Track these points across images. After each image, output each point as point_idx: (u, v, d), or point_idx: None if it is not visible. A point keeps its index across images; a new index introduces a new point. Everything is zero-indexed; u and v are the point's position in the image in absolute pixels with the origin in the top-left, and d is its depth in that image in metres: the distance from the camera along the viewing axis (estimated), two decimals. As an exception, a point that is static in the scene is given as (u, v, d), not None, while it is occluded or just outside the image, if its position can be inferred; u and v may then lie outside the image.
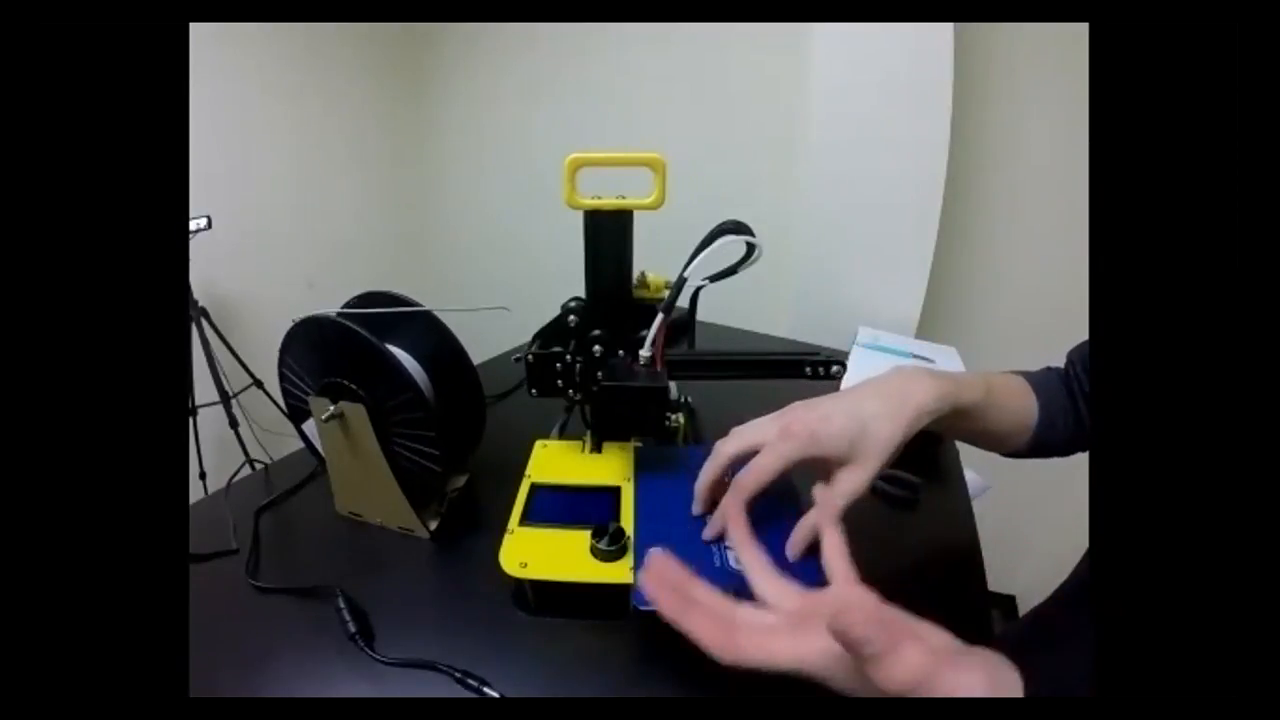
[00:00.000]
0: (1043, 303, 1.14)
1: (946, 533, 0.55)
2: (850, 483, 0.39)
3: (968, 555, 0.53)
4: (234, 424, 1.37)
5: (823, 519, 0.38)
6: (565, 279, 0.54)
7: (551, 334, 0.49)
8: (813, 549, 0.39)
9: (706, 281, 0.46)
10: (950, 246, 1.09)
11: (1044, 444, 0.48)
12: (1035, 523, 1.22)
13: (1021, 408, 0.47)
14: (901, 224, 1.04)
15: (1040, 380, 0.49)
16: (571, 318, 0.48)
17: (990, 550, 0.54)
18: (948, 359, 0.87)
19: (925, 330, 1.09)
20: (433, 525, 0.51)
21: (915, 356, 0.85)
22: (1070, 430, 0.48)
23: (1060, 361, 0.51)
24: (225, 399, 1.36)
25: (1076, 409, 0.48)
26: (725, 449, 0.42)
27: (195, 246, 1.24)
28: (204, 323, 1.33)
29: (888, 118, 1.00)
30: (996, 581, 0.51)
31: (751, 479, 0.39)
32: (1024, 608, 1.33)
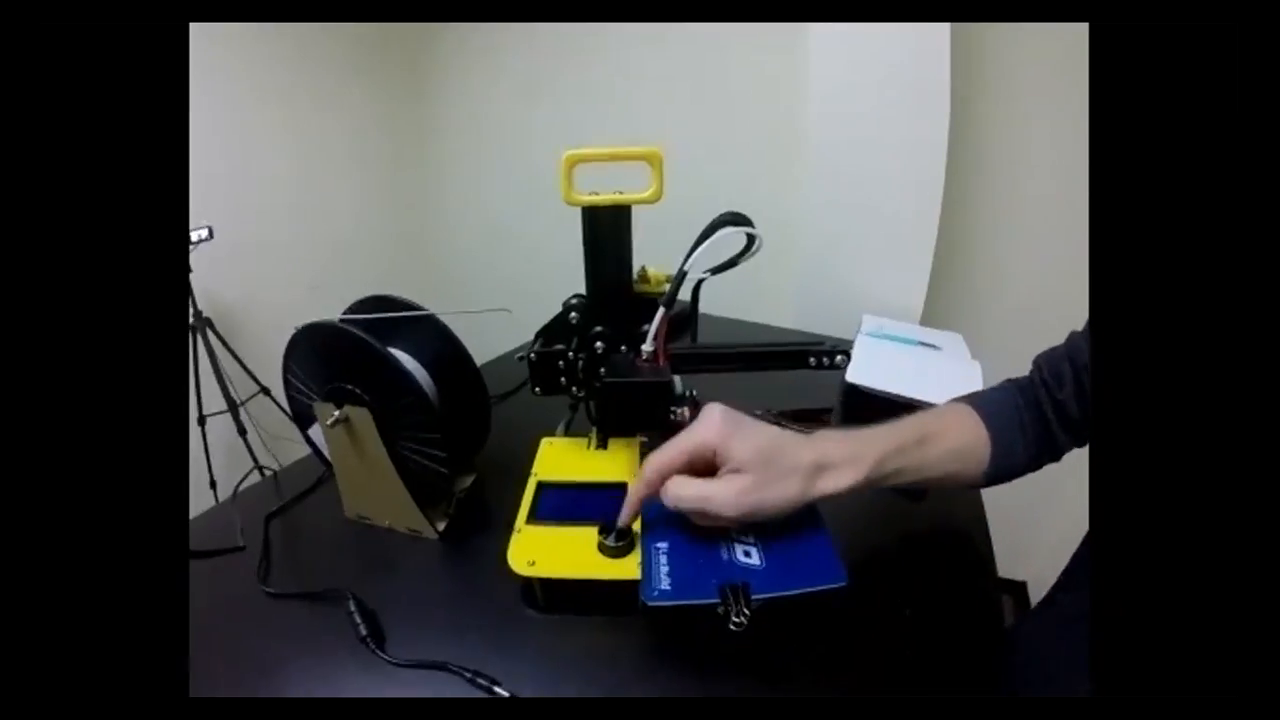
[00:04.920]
0: (1046, 289, 1.13)
1: (955, 521, 0.55)
2: (728, 488, 0.38)
3: (977, 544, 0.52)
4: (242, 431, 1.38)
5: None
6: (567, 276, 0.54)
7: (553, 332, 0.49)
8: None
9: (707, 274, 0.46)
10: (953, 234, 1.08)
11: (1003, 473, 0.45)
12: (1044, 506, 1.21)
13: (967, 447, 0.44)
14: (904, 213, 1.03)
15: (994, 406, 0.46)
16: (573, 315, 0.48)
17: (999, 535, 0.53)
18: (953, 345, 0.86)
19: (930, 318, 1.08)
20: (441, 526, 0.51)
21: (921, 344, 0.84)
22: (1032, 450, 0.45)
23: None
24: (233, 407, 1.37)
25: (1042, 421, 0.45)
26: (650, 465, 0.40)
27: (197, 256, 1.25)
28: (209, 332, 1.34)
29: (887, 113, 0.99)
30: (1006, 568, 0.51)
31: (661, 456, 0.39)
32: (1035, 593, 1.32)
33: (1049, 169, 1.09)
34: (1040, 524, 1.24)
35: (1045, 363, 0.46)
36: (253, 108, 1.49)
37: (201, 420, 1.34)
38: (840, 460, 0.39)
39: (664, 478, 0.39)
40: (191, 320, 1.31)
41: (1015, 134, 1.09)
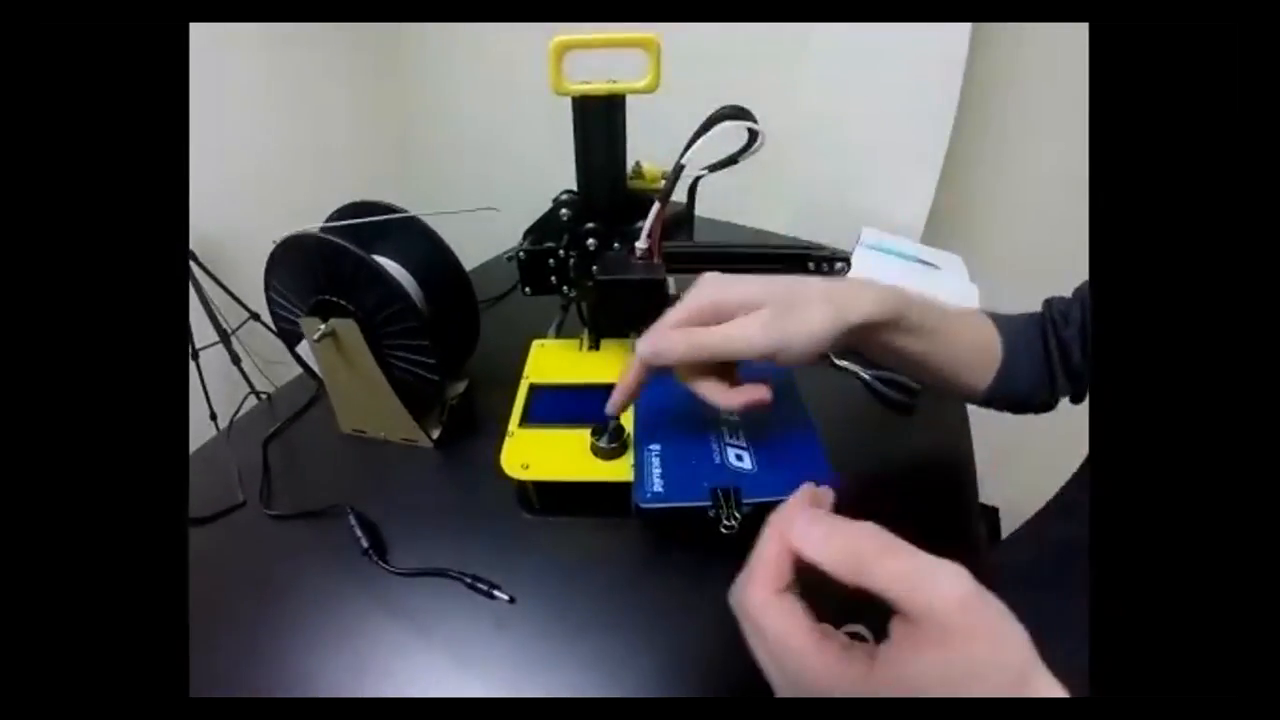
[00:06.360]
0: (1053, 224, 1.09)
1: (941, 441, 0.54)
2: (749, 321, 0.33)
3: (960, 466, 0.52)
4: (236, 360, 1.37)
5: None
6: (557, 175, 0.51)
7: (543, 229, 0.47)
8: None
9: (705, 171, 0.43)
10: (963, 155, 1.03)
11: (1005, 393, 0.43)
12: (1023, 432, 1.22)
13: (980, 347, 0.42)
14: (914, 126, 0.99)
15: (1010, 326, 0.44)
16: (564, 211, 0.46)
17: (978, 457, 0.53)
18: (953, 266, 0.85)
19: (930, 238, 1.05)
20: (435, 434, 0.50)
21: (920, 261, 0.82)
22: (1034, 379, 0.44)
23: (1057, 285, 0.47)
24: (224, 337, 1.35)
25: (1046, 355, 0.44)
26: (641, 351, 0.36)
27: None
28: (191, 265, 1.30)
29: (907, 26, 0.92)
30: (981, 492, 0.51)
31: (655, 331, 0.35)
32: (1006, 520, 1.35)
33: (1071, 99, 1.02)
34: (1017, 450, 1.25)
35: (1056, 302, 0.46)
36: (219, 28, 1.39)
37: (195, 355, 1.32)
38: (861, 291, 0.35)
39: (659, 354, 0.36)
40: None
41: (1041, 57, 1.02)
